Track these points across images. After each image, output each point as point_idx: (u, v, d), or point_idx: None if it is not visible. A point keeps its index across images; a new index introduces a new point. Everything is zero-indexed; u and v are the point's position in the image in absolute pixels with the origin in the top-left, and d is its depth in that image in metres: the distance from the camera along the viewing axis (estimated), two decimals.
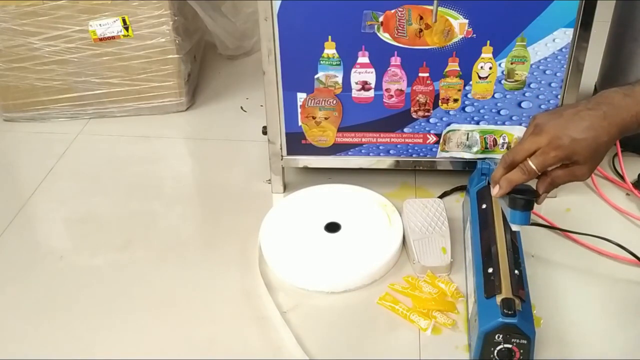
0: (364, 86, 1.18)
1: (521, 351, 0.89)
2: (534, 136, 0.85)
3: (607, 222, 1.23)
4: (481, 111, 1.21)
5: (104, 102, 1.55)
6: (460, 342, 1.00)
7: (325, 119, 1.22)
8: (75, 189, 1.37)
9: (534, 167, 0.85)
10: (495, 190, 0.90)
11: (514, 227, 0.93)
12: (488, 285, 0.94)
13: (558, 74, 1.16)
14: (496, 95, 1.19)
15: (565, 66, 1.15)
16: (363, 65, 1.16)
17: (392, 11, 1.10)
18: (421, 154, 1.26)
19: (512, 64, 1.15)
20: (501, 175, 0.89)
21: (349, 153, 1.27)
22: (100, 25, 1.44)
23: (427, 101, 1.20)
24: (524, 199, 0.89)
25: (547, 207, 1.25)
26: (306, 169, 1.33)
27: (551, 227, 1.20)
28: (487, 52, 1.14)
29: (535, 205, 0.91)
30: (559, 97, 1.18)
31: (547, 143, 0.83)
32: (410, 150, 1.26)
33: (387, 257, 1.12)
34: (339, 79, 1.18)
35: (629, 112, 0.81)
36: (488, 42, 1.13)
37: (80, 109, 1.56)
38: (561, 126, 0.83)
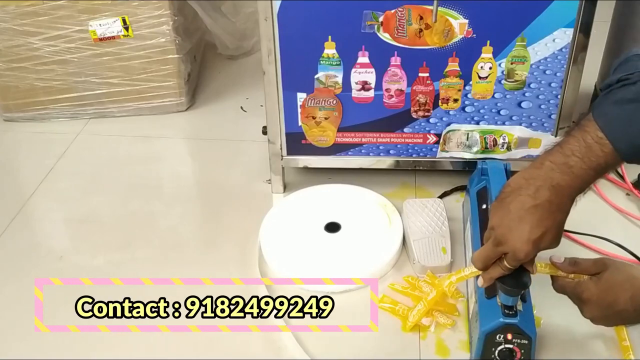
0: (364, 86, 1.18)
1: (522, 351, 0.89)
2: (496, 247, 0.85)
3: (607, 222, 1.23)
4: (481, 111, 1.21)
5: (104, 102, 1.55)
6: (460, 342, 1.00)
7: (325, 119, 1.22)
8: (75, 189, 1.37)
9: (510, 266, 0.85)
10: (479, 282, 0.90)
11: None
12: (489, 286, 0.93)
13: (558, 74, 1.16)
14: (496, 95, 1.19)
15: (565, 66, 1.15)
16: (363, 65, 1.16)
17: (392, 11, 1.10)
18: (421, 154, 1.26)
19: (512, 64, 1.15)
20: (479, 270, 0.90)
21: (349, 153, 1.27)
22: (100, 25, 1.44)
23: (427, 101, 1.20)
24: (513, 290, 0.87)
25: None
26: (306, 169, 1.33)
27: None
28: (487, 52, 1.14)
29: None
30: (559, 97, 1.18)
31: (512, 252, 0.83)
32: (410, 150, 1.26)
33: (387, 257, 1.12)
34: (339, 79, 1.18)
35: (571, 188, 0.80)
36: (488, 42, 1.13)
37: (80, 109, 1.56)
38: (516, 232, 0.81)
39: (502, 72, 1.16)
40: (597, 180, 0.81)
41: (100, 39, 1.46)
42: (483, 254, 0.87)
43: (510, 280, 0.87)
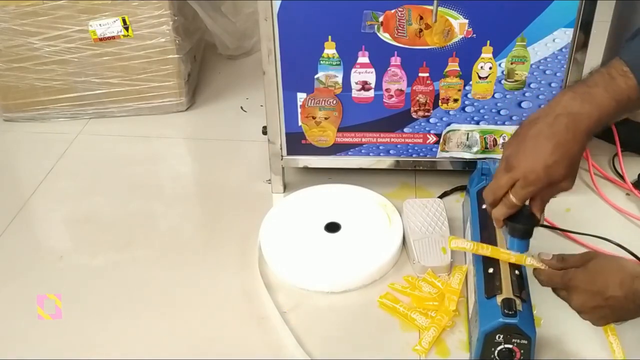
0: (364, 86, 1.18)
1: (522, 351, 0.89)
2: (507, 172, 0.85)
3: (607, 222, 1.23)
4: (481, 111, 1.21)
5: (104, 102, 1.55)
6: (460, 342, 1.00)
7: (325, 119, 1.22)
8: (75, 189, 1.37)
9: (516, 201, 0.85)
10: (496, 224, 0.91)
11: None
12: (488, 285, 0.94)
13: (558, 74, 1.16)
14: (496, 95, 1.19)
15: (565, 66, 1.15)
16: (363, 65, 1.16)
17: (392, 11, 1.10)
18: (421, 154, 1.26)
19: (512, 64, 1.15)
20: (490, 212, 0.90)
21: (349, 153, 1.27)
22: (100, 25, 1.44)
23: (427, 101, 1.20)
24: (522, 228, 0.89)
25: (547, 207, 1.23)
26: (306, 169, 1.33)
27: (551, 227, 1.20)
28: (487, 52, 1.14)
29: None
30: None
31: (523, 177, 0.82)
32: (410, 150, 1.26)
33: (387, 257, 1.12)
34: (339, 79, 1.18)
35: (590, 119, 0.80)
36: (488, 42, 1.13)
37: (80, 109, 1.56)
38: (530, 156, 0.82)
39: (502, 72, 1.16)
40: (615, 117, 0.81)
41: (100, 39, 1.46)
42: (493, 183, 0.86)
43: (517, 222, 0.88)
